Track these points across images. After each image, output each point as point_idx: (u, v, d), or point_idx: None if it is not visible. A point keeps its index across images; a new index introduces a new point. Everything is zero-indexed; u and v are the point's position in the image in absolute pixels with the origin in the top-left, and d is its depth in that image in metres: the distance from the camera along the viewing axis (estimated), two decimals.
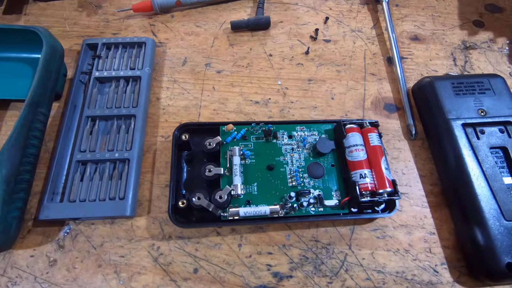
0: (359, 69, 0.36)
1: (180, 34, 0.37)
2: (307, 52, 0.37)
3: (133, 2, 0.38)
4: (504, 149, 0.29)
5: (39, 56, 0.28)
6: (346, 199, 0.27)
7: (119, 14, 0.38)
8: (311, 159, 0.29)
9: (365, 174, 0.26)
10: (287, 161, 0.28)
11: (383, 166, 0.27)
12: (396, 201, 0.27)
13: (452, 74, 0.35)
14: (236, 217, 0.25)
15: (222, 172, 0.27)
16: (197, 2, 0.38)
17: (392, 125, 0.33)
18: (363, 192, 0.26)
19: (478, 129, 0.29)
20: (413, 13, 0.40)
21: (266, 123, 0.29)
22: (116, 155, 0.28)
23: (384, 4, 0.38)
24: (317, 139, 0.29)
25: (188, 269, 0.26)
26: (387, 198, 0.26)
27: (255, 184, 0.27)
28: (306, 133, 0.30)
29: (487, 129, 0.29)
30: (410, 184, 0.30)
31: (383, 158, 0.27)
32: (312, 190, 0.27)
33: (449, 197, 0.29)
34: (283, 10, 0.40)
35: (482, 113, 0.30)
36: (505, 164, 0.28)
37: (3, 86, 0.31)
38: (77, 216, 0.26)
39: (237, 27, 0.37)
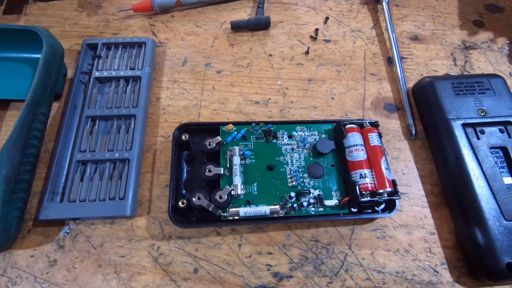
0: (359, 69, 0.36)
1: (180, 34, 0.37)
2: (307, 52, 0.37)
3: (133, 2, 0.38)
4: (504, 149, 0.29)
5: (39, 56, 0.28)
6: (346, 199, 0.27)
7: (119, 14, 0.38)
8: (311, 159, 0.29)
9: (365, 174, 0.26)
10: (287, 161, 0.28)
11: (383, 166, 0.27)
12: (396, 201, 0.27)
13: (452, 74, 0.35)
14: (236, 217, 0.25)
15: (222, 172, 0.27)
16: (197, 2, 0.38)
17: (392, 125, 0.33)
18: (363, 192, 0.26)
19: (478, 129, 0.29)
20: (413, 13, 0.40)
21: (266, 123, 0.29)
22: (116, 155, 0.28)
23: (384, 4, 0.38)
24: (317, 139, 0.29)
25: (188, 269, 0.26)
26: (387, 198, 0.26)
27: (255, 184, 0.27)
28: (306, 133, 0.30)
29: (487, 129, 0.29)
30: (410, 184, 0.30)
31: (383, 158, 0.27)
32: (312, 190, 0.27)
33: (449, 197, 0.29)
34: (283, 10, 0.40)
35: (482, 113, 0.30)
36: (505, 164, 0.28)
37: (3, 86, 0.31)
38: (77, 216, 0.26)
39: (237, 27, 0.37)
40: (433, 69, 0.36)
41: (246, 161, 0.28)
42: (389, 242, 0.27)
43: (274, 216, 0.26)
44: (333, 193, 0.27)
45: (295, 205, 0.26)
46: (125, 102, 0.31)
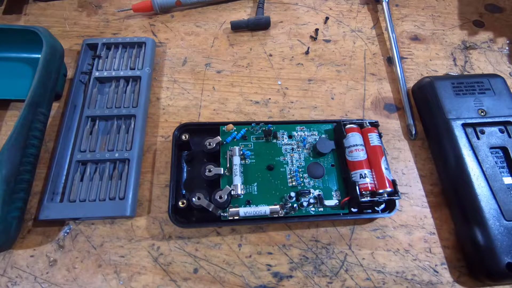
0: (359, 69, 0.36)
1: (180, 34, 0.37)
2: (307, 52, 0.37)
3: (133, 2, 0.38)
4: (504, 149, 0.29)
5: (39, 56, 0.28)
6: (346, 199, 0.27)
7: (119, 14, 0.38)
8: (311, 159, 0.29)
9: (365, 174, 0.26)
10: (287, 161, 0.28)
11: (383, 166, 0.27)
12: (396, 201, 0.27)
13: (452, 74, 0.35)
14: (236, 217, 0.25)
15: (222, 172, 0.27)
16: (197, 2, 0.38)
17: (392, 125, 0.33)
18: (363, 192, 0.26)
19: (478, 129, 0.29)
20: (413, 13, 0.40)
21: (266, 123, 0.29)
22: (116, 155, 0.28)
23: (384, 4, 0.38)
24: (317, 139, 0.29)
25: (188, 269, 0.26)
26: (387, 198, 0.26)
27: (255, 184, 0.27)
28: (306, 133, 0.30)
29: (487, 129, 0.29)
30: (410, 184, 0.30)
31: (383, 158, 0.27)
32: (312, 190, 0.27)
33: (449, 197, 0.29)
34: (283, 10, 0.40)
35: (482, 113, 0.30)
36: (505, 164, 0.28)
37: (3, 86, 0.31)
38: (77, 216, 0.26)
39: (237, 27, 0.37)
40: (433, 69, 0.36)
41: (246, 161, 0.28)
42: (389, 242, 0.27)
43: (274, 216, 0.26)
44: (333, 193, 0.27)
45: (295, 205, 0.26)
46: (125, 102, 0.31)
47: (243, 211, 0.25)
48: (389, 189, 0.26)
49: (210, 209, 0.25)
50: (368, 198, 0.26)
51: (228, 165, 0.27)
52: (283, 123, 0.30)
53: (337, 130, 0.29)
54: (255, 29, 0.38)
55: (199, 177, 0.27)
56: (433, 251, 0.27)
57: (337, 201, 0.27)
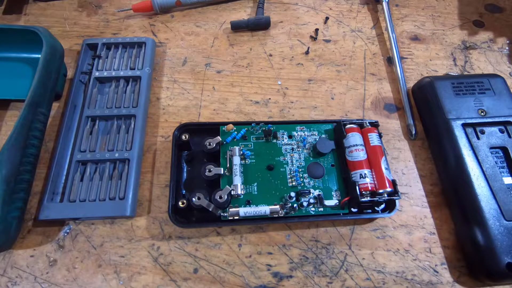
0: (359, 69, 0.36)
1: (180, 34, 0.37)
2: (307, 52, 0.37)
3: (133, 2, 0.38)
4: (504, 149, 0.29)
5: (39, 56, 0.28)
6: (346, 199, 0.27)
7: (119, 14, 0.38)
8: (311, 159, 0.29)
9: (365, 174, 0.26)
10: (287, 161, 0.28)
11: (383, 166, 0.27)
12: (396, 201, 0.27)
13: (452, 74, 0.35)
14: (236, 217, 0.25)
15: (222, 172, 0.27)
16: (197, 2, 0.38)
17: (392, 125, 0.33)
18: (363, 192, 0.26)
19: (478, 129, 0.29)
20: (413, 13, 0.40)
21: (266, 123, 0.29)
22: (116, 155, 0.28)
23: (384, 4, 0.38)
24: (317, 139, 0.29)
25: (188, 269, 0.26)
26: (387, 198, 0.26)
27: (255, 184, 0.27)
28: (306, 133, 0.30)
29: (487, 129, 0.29)
30: (410, 184, 0.30)
31: (383, 158, 0.27)
32: (312, 190, 0.27)
33: (449, 197, 0.29)
34: (283, 10, 0.40)
35: (482, 113, 0.30)
36: (505, 164, 0.28)
37: (3, 86, 0.31)
38: (77, 216, 0.26)
39: (237, 27, 0.37)
40: (433, 69, 0.36)
41: (246, 161, 0.28)
42: (389, 242, 0.27)
43: (274, 216, 0.26)
44: (333, 193, 0.27)
45: (295, 205, 0.26)
46: (125, 102, 0.31)
47: (243, 211, 0.25)
48: (389, 189, 0.26)
49: (210, 209, 0.25)
50: (368, 198, 0.26)
51: (228, 165, 0.27)
52: (283, 123, 0.30)
53: (337, 130, 0.29)
54: (255, 29, 0.38)
55: (199, 177, 0.27)
56: (433, 251, 0.27)
57: (337, 201, 0.27)
